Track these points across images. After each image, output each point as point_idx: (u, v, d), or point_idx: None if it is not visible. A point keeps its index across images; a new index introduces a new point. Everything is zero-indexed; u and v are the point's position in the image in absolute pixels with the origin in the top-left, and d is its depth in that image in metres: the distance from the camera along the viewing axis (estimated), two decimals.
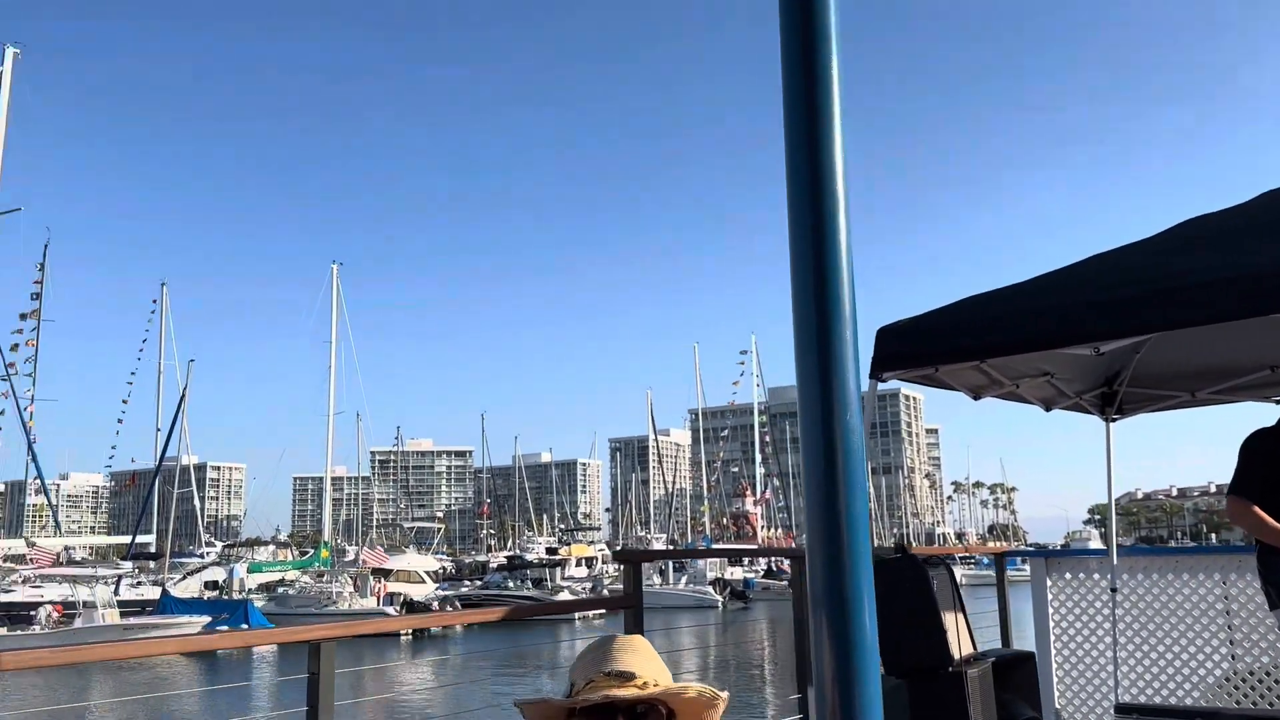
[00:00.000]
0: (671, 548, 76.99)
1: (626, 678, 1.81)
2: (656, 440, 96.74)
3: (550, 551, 78.15)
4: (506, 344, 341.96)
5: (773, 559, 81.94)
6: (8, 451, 56.57)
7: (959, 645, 4.76)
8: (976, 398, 5.53)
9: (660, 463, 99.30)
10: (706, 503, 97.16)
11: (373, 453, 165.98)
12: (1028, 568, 6.90)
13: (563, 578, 63.06)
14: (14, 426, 55.78)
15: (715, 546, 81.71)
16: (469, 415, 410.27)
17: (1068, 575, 6.48)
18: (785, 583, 62.30)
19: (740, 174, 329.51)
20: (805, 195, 1.22)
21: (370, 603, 46.55)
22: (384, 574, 52.30)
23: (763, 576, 64.95)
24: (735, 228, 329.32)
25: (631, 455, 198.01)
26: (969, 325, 4.54)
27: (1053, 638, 6.37)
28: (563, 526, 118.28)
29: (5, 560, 52.15)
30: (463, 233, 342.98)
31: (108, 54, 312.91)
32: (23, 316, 59.08)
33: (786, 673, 23.85)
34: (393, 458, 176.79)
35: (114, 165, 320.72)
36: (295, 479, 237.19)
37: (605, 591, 55.61)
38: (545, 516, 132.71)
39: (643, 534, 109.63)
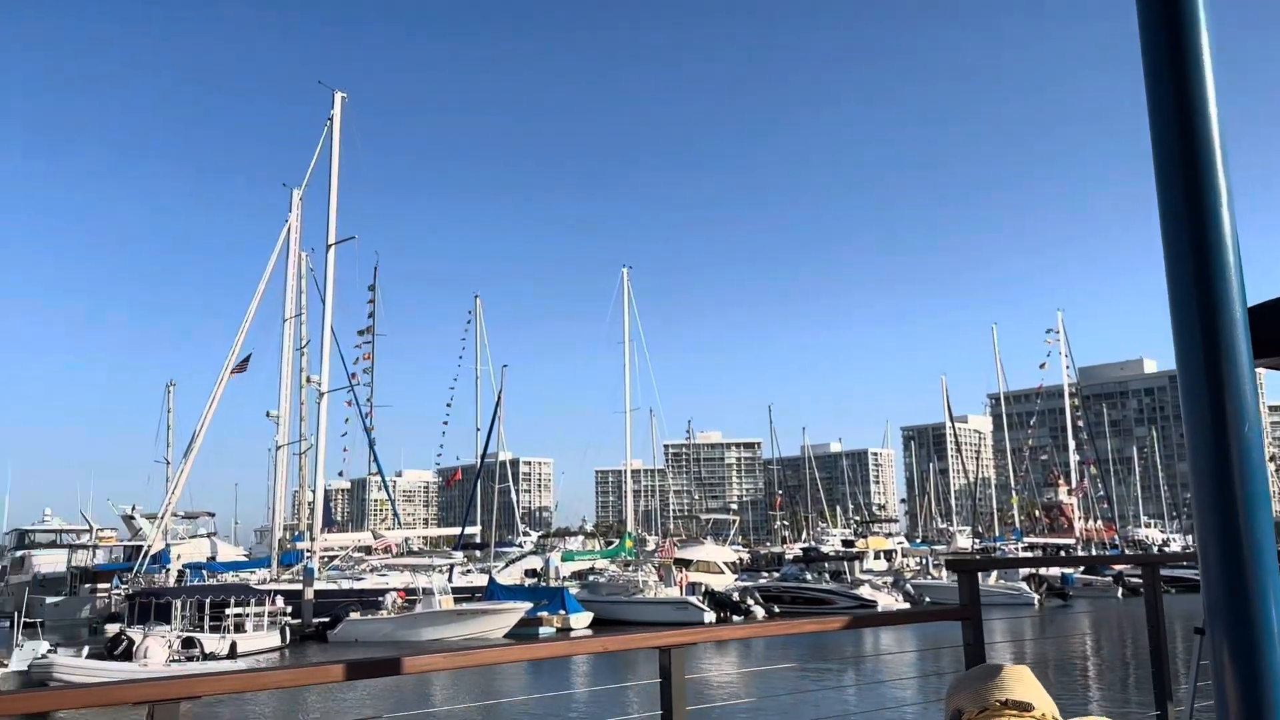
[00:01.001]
0: (987, 548, 73.35)
1: (1024, 708, 1.79)
2: (954, 427, 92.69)
3: (846, 544, 76.98)
4: (792, 335, 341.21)
5: (1092, 549, 76.19)
6: (353, 452, 63.95)
7: None
8: None
9: (959, 451, 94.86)
10: (1014, 493, 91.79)
11: (665, 446, 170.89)
12: None
13: (861, 571, 61.87)
14: (357, 430, 62.99)
15: (1029, 541, 77.13)
16: (756, 407, 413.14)
17: None
18: (1110, 579, 57.83)
19: (1038, 147, 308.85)
20: (1177, 167, 1.15)
21: (674, 592, 47.94)
22: (684, 564, 53.65)
23: (1083, 572, 60.32)
24: (1032, 201, 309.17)
25: (926, 443, 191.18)
26: None
27: None
28: (857, 518, 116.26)
29: (356, 550, 58.57)
30: (747, 225, 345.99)
31: (416, 87, 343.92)
32: (360, 333, 66.60)
33: (1120, 684, 21.99)
34: (684, 451, 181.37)
35: (425, 185, 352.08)
36: (597, 472, 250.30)
37: (909, 587, 54.03)
38: (839, 508, 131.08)
39: (943, 526, 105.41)
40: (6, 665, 25.63)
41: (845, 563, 62.27)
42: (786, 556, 73.32)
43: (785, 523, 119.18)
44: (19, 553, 69.37)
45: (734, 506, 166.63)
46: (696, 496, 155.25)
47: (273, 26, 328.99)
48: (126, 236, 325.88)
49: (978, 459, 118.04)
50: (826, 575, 57.49)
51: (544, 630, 42.55)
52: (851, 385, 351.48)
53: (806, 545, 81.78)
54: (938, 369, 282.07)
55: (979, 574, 5.02)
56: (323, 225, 54.37)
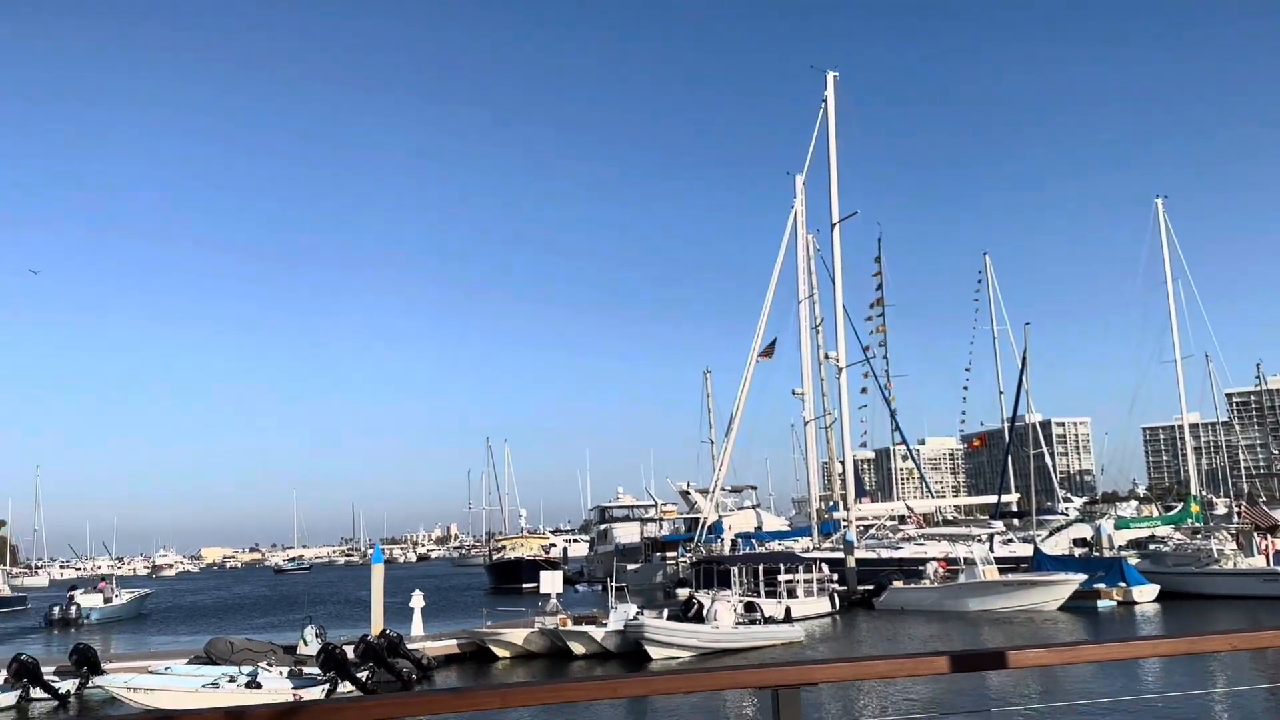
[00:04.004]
0: None
1: None
2: None
3: None
4: None
5: None
6: (873, 422, 64.78)
7: None
8: None
9: None
10: None
11: (1228, 395, 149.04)
12: None
13: None
14: (877, 401, 63.68)
15: None
16: None
17: None
18: None
19: None
20: None
21: (1259, 562, 41.62)
22: (1270, 530, 46.23)
23: None
24: None
25: None
26: None
27: None
28: None
29: (890, 519, 59.17)
30: None
31: (903, 54, 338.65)
32: (871, 305, 67.16)
33: None
34: (1254, 399, 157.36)
35: (919, 149, 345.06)
36: (1145, 429, 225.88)
37: None
38: None
39: None
40: (605, 625, 29.74)
41: None
42: None
43: None
44: (601, 526, 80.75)
45: None
46: (1275, 451, 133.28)
47: (758, 18, 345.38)
48: (660, 235, 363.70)
49: None
50: None
51: (1103, 604, 39.43)
52: None
53: None
54: None
55: None
56: (824, 205, 55.59)
